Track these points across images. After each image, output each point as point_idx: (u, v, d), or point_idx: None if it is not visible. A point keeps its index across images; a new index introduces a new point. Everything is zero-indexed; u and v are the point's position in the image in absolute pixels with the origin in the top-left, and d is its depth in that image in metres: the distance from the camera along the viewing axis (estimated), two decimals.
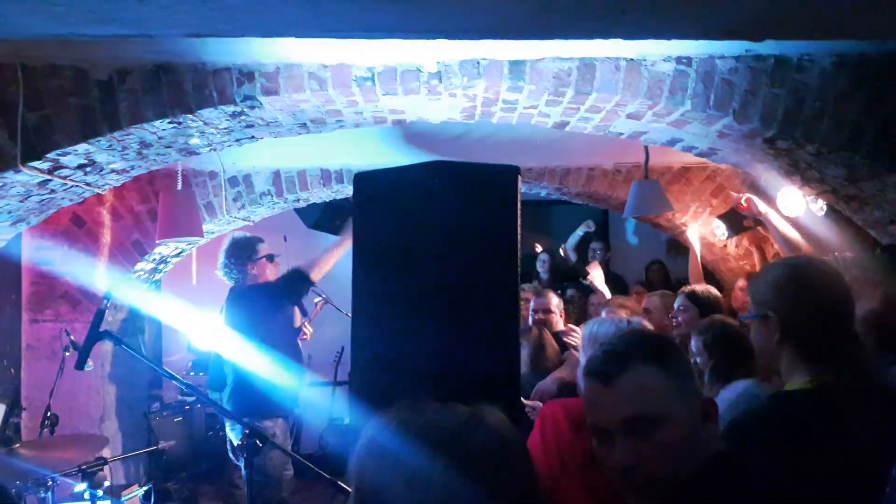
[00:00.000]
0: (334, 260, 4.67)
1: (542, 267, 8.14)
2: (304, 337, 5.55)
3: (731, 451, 1.51)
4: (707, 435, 1.48)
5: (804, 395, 1.89)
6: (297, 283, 4.64)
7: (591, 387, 1.51)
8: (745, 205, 3.73)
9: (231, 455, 4.75)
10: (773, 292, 2.00)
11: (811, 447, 1.68)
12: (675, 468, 1.42)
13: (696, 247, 5.34)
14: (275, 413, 4.59)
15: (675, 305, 4.15)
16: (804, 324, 1.94)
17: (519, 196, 2.10)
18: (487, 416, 1.22)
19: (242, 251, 4.78)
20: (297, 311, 5.48)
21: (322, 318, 6.43)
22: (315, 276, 4.64)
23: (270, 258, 4.87)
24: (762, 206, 3.65)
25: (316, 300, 6.24)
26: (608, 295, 5.18)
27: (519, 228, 2.11)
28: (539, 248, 8.29)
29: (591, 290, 6.38)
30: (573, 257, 8.18)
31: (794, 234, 3.52)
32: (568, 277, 7.76)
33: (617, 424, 1.45)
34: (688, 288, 4.24)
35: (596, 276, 5.34)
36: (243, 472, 4.52)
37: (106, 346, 5.46)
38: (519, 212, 2.10)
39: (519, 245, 2.16)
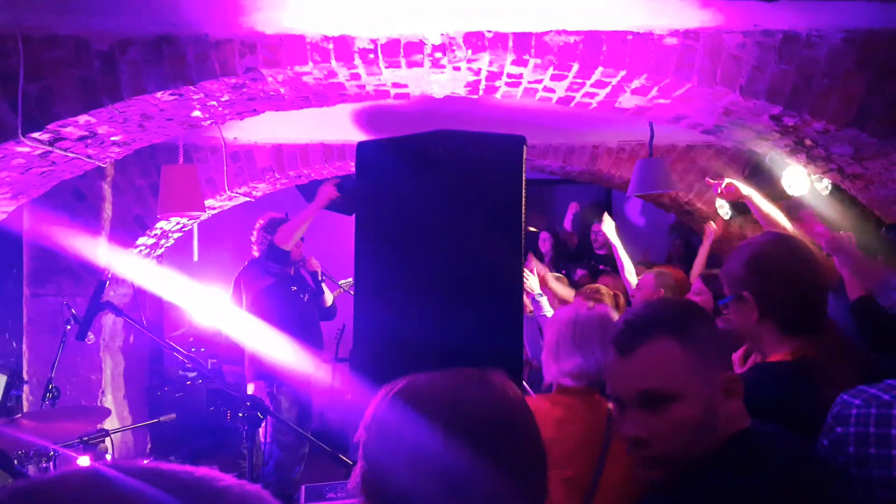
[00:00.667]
0: (298, 227, 4.92)
1: (544, 246, 8.08)
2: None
3: (757, 430, 1.44)
4: (729, 413, 1.41)
5: (781, 366, 1.88)
6: (270, 254, 4.94)
7: (611, 357, 1.48)
8: (724, 190, 3.68)
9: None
10: (744, 271, 2.00)
11: (788, 418, 1.67)
12: (689, 446, 1.37)
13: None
14: (283, 381, 4.76)
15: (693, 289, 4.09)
16: (779, 299, 1.93)
17: (524, 167, 2.08)
18: (490, 375, 1.17)
19: (266, 231, 5.06)
20: (325, 290, 5.55)
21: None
22: (286, 245, 4.89)
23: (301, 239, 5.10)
24: (744, 189, 3.61)
25: (335, 293, 6.24)
26: (624, 255, 5.06)
27: (524, 200, 2.09)
28: (533, 230, 8.22)
29: (599, 271, 6.34)
30: (574, 241, 8.14)
31: (777, 215, 3.50)
32: (572, 258, 7.70)
33: (631, 396, 1.42)
34: (705, 271, 4.18)
35: (608, 229, 5.18)
36: (261, 440, 4.65)
37: (107, 320, 5.46)
38: (524, 183, 2.08)
39: (524, 217, 2.14)
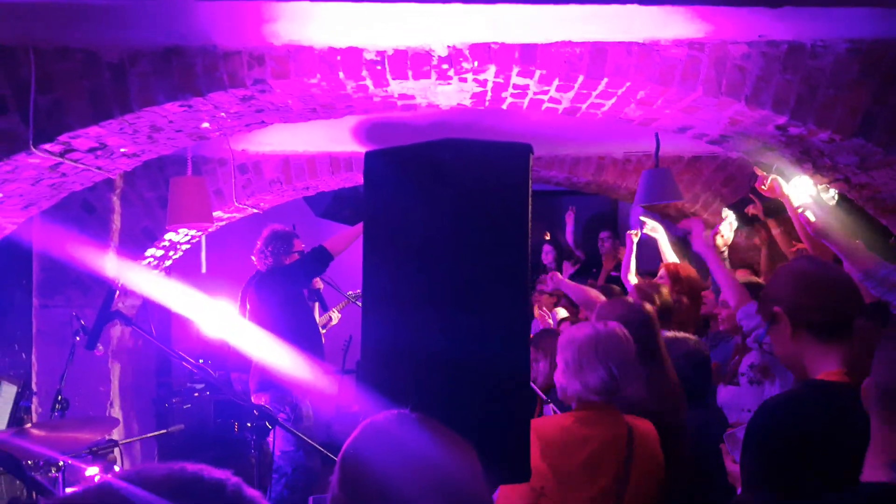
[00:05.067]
0: (353, 238, 4.94)
1: (546, 258, 8.10)
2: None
3: None
4: None
5: (843, 389, 1.85)
6: (318, 255, 4.91)
7: None
8: (767, 186, 3.71)
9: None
10: (771, 289, 2.06)
11: (851, 447, 1.66)
12: None
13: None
14: (293, 393, 4.75)
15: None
16: (808, 304, 1.94)
17: (530, 175, 2.09)
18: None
19: (280, 242, 5.04)
20: (317, 307, 5.58)
21: (331, 307, 6.43)
22: (333, 249, 4.90)
23: (302, 254, 5.10)
24: (785, 188, 3.65)
25: (340, 306, 6.26)
26: (669, 255, 5.00)
27: (530, 208, 2.10)
28: (548, 236, 8.27)
29: (611, 278, 6.33)
30: (580, 253, 8.13)
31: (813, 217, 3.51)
32: (581, 273, 7.70)
33: None
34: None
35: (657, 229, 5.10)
36: (272, 449, 4.65)
37: (116, 332, 5.49)
38: (530, 191, 2.09)
39: (529, 226, 2.15)
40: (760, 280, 4.47)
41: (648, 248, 8.64)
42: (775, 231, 4.90)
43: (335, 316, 5.85)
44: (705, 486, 2.85)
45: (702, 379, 3.25)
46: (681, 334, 3.43)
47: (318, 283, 5.51)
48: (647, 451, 2.52)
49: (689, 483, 2.76)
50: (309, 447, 4.07)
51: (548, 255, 8.11)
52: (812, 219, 3.26)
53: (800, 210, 3.60)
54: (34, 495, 3.90)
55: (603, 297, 4.26)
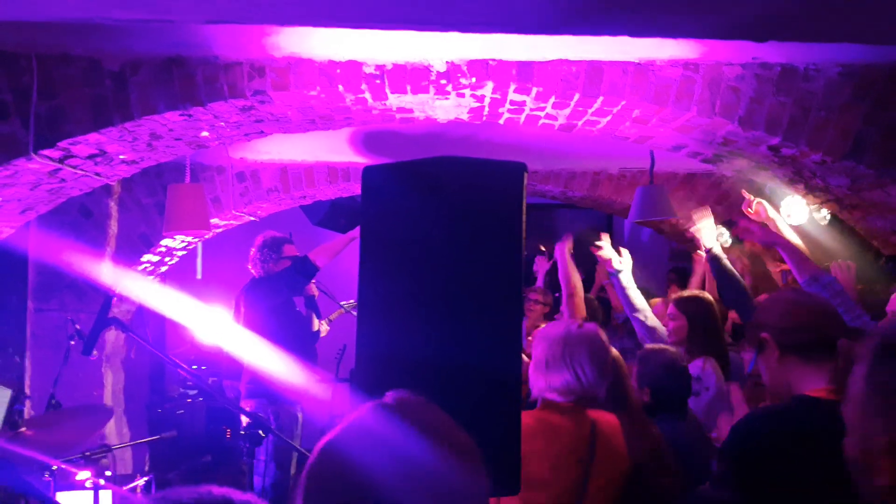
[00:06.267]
0: (338, 250, 4.91)
1: (539, 269, 8.11)
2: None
3: None
4: None
5: (829, 406, 1.89)
6: (301, 268, 4.85)
7: None
8: (753, 210, 3.76)
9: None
10: (757, 317, 2.15)
11: (832, 459, 1.71)
12: None
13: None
14: (284, 400, 4.75)
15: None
16: (792, 326, 2.03)
17: (525, 194, 2.13)
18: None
19: (270, 249, 5.02)
20: (314, 316, 5.58)
21: (323, 314, 6.45)
22: (319, 261, 4.84)
23: (293, 259, 5.05)
24: (771, 212, 3.70)
25: (334, 315, 6.27)
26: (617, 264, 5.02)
27: (524, 226, 2.13)
28: (543, 249, 8.27)
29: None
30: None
31: (798, 242, 3.57)
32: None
33: None
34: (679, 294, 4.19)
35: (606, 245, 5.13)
36: (259, 454, 4.64)
37: (110, 336, 5.50)
38: (524, 209, 2.13)
39: (523, 243, 2.18)
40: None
41: (646, 269, 8.70)
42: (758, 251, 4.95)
43: (324, 328, 5.85)
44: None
45: (679, 389, 3.30)
46: (659, 345, 3.50)
47: (314, 291, 5.52)
48: (610, 450, 2.49)
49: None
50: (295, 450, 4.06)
51: (541, 267, 8.11)
52: (769, 214, 3.41)
53: (752, 208, 3.70)
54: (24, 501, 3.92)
55: (580, 289, 4.25)
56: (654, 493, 2.62)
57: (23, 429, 3.07)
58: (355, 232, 4.89)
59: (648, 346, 3.50)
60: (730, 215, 5.54)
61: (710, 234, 3.89)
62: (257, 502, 0.85)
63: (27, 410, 5.15)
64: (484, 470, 1.15)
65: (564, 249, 4.23)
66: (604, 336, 2.58)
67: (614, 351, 2.91)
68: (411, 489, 1.07)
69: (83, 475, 3.30)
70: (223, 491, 0.84)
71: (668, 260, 8.73)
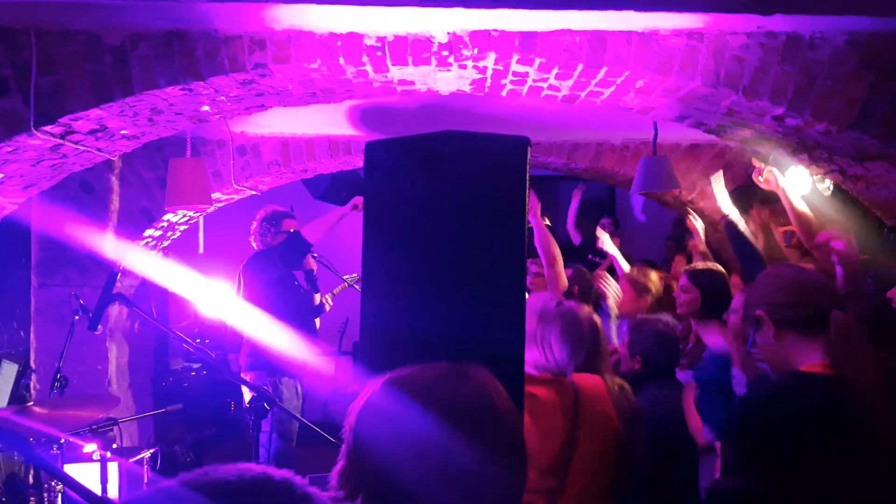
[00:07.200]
0: (330, 225, 4.96)
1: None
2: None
3: None
4: None
5: (818, 379, 1.95)
6: (292, 244, 4.90)
7: None
8: (763, 178, 3.75)
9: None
10: (751, 294, 2.17)
11: (832, 435, 1.75)
12: None
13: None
14: (284, 372, 4.82)
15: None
16: (786, 302, 2.04)
17: (528, 168, 2.12)
18: (470, 370, 1.26)
19: (269, 223, 5.07)
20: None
21: (328, 288, 6.46)
22: (311, 237, 4.89)
23: (286, 233, 5.08)
24: (781, 180, 3.70)
25: (337, 289, 6.27)
26: (624, 263, 5.14)
27: (527, 200, 2.13)
28: (547, 221, 8.26)
29: (594, 264, 6.39)
30: (577, 238, 8.15)
31: (806, 210, 3.59)
32: (571, 256, 7.73)
33: None
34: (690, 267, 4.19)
35: (605, 240, 5.29)
36: (263, 427, 4.68)
37: (114, 311, 5.52)
38: (528, 183, 2.13)
39: (526, 217, 2.18)
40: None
41: (649, 239, 8.71)
42: (767, 218, 4.95)
43: (328, 303, 5.87)
44: (670, 462, 2.97)
45: (668, 358, 3.37)
46: (652, 315, 3.56)
47: (312, 265, 5.51)
48: (596, 412, 2.52)
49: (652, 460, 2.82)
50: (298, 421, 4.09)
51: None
52: (779, 182, 3.46)
53: (763, 176, 3.72)
54: (33, 472, 3.96)
55: (559, 257, 4.30)
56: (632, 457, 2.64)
57: (30, 403, 3.09)
58: (346, 208, 4.91)
59: (641, 316, 3.61)
60: (734, 185, 5.52)
61: (726, 199, 3.92)
62: (294, 479, 0.87)
63: (33, 384, 5.19)
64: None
65: (538, 215, 4.22)
66: (583, 312, 2.59)
67: (596, 318, 2.95)
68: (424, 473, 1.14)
69: (90, 448, 3.33)
70: (260, 468, 0.87)
71: (672, 230, 8.73)
